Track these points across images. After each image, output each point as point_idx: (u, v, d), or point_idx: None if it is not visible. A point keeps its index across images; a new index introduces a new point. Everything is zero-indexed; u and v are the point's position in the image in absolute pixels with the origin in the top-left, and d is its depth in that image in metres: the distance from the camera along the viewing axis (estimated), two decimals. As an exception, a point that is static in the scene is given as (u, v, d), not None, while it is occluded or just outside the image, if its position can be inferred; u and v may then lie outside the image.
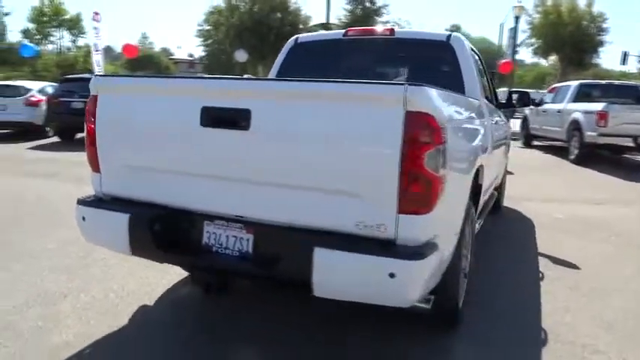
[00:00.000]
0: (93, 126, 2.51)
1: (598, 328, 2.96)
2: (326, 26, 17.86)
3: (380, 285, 1.91)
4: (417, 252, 1.93)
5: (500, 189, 5.68)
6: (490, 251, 4.43)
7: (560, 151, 11.54)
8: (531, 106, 13.42)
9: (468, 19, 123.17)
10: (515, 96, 5.12)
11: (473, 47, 4.24)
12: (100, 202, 2.54)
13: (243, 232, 2.24)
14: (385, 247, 1.94)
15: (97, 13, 16.60)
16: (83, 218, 2.53)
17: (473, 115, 2.80)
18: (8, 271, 3.49)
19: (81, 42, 46.44)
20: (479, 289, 3.42)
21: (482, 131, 3.11)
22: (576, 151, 10.51)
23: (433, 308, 2.35)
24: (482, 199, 3.47)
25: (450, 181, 2.07)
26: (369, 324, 2.83)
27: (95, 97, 2.49)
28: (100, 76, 2.57)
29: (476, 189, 3.20)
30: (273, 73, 3.99)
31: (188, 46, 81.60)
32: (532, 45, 21.86)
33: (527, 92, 5.19)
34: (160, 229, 2.36)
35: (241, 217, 2.23)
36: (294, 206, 2.11)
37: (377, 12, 42.99)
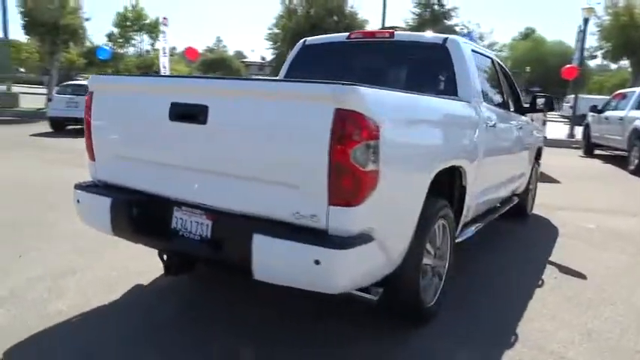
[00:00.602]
0: (89, 119, 2.81)
1: (577, 337, 2.88)
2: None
3: (307, 271, 2.03)
4: (345, 242, 2.04)
5: (525, 196, 5.55)
6: (500, 257, 4.38)
7: (621, 162, 10.89)
8: (592, 113, 12.77)
9: (545, 21, 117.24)
10: (540, 100, 5.00)
11: (482, 50, 4.22)
12: (91, 187, 2.84)
13: (203, 217, 2.44)
14: (314, 236, 2.06)
15: (165, 18, 17.65)
16: (78, 201, 2.84)
17: (441, 115, 2.82)
18: (36, 248, 3.92)
19: (159, 45, 49.46)
20: (472, 292, 3.45)
21: (463, 133, 3.12)
22: (636, 161, 9.90)
23: (382, 300, 2.42)
24: (474, 202, 3.45)
25: (389, 177, 2.15)
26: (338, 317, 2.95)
27: (91, 94, 2.80)
28: (95, 75, 2.88)
29: (460, 191, 3.23)
30: (282, 73, 4.19)
31: (261, 49, 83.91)
32: (601, 49, 20.53)
33: (550, 97, 5.04)
34: (136, 213, 2.61)
35: (203, 204, 2.43)
36: (242, 195, 2.28)
37: (445, 15, 42.20)
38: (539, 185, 6.48)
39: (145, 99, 2.59)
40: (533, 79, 51.49)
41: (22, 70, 41.87)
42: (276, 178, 2.17)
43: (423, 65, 3.65)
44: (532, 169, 5.68)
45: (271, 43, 21.08)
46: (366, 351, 2.60)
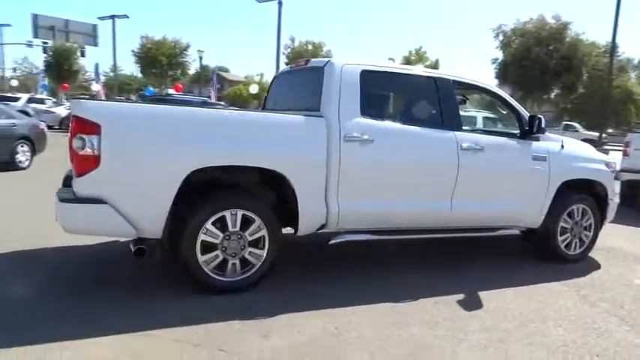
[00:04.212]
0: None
1: (328, 329, 3.16)
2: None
3: (58, 216, 3.23)
4: (71, 200, 3.16)
5: (550, 233, 4.86)
6: (440, 278, 4.34)
7: None
8: None
9: None
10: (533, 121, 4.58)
11: (408, 72, 4.34)
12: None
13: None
14: (67, 194, 3.25)
15: (391, 59, 19.49)
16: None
17: (201, 123, 3.45)
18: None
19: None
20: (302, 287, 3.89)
21: (283, 141, 3.62)
22: None
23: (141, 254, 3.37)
24: (328, 209, 3.78)
25: (115, 162, 3.15)
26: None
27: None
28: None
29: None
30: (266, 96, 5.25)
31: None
32: None
33: (538, 117, 4.50)
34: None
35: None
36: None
37: None
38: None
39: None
40: None
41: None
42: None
43: (311, 86, 4.13)
44: (568, 205, 4.92)
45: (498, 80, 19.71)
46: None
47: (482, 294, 3.96)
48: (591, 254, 5.32)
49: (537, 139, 4.73)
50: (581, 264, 5.04)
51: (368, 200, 3.97)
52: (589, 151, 5.32)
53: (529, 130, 4.64)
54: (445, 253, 5.22)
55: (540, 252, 5.08)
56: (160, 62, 31.84)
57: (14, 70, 51.60)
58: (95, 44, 35.25)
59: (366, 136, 3.86)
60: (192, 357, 2.70)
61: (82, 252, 4.47)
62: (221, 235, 3.51)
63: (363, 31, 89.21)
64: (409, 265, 4.69)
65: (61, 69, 34.46)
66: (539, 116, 4.56)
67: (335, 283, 4.00)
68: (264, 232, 3.64)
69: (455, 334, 3.20)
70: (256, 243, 3.64)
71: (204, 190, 3.57)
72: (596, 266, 5.04)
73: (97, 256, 4.43)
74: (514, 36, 14.97)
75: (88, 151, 3.12)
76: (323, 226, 3.92)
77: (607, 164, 5.23)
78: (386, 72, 4.23)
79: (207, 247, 3.49)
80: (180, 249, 3.43)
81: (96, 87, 29.21)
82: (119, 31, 38.99)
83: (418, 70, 4.42)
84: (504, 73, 15.64)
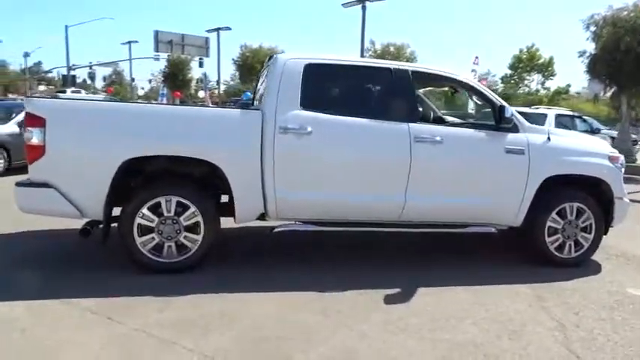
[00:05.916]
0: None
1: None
2: None
3: (14, 197, 3.79)
4: (23, 184, 3.69)
5: (536, 233, 4.50)
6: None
7: None
8: None
9: None
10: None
11: (321, 63, 4.22)
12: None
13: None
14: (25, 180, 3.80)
15: (477, 57, 18.61)
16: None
17: (132, 117, 3.85)
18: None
19: (550, 84, 48.91)
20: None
21: (215, 134, 3.86)
22: None
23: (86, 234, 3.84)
24: (264, 198, 3.95)
25: (59, 152, 3.62)
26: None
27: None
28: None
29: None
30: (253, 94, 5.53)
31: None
32: None
33: (500, 107, 4.23)
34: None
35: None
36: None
37: None
38: None
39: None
40: None
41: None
42: None
43: (265, 80, 4.32)
44: (557, 204, 4.51)
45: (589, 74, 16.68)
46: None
47: (422, 290, 3.84)
48: (604, 259, 4.87)
49: (516, 131, 4.41)
50: (577, 267, 4.58)
51: (307, 191, 4.04)
52: (588, 144, 4.79)
53: (500, 121, 4.36)
54: (419, 248, 5.07)
55: (529, 253, 4.70)
56: (256, 69, 33.63)
57: (150, 81, 57.75)
58: (207, 55, 38.30)
59: (303, 128, 3.95)
60: (80, 320, 3.07)
61: (59, 235, 4.88)
62: (157, 219, 3.84)
63: (459, 33, 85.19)
64: (365, 258, 4.66)
65: (176, 79, 37.98)
66: (504, 105, 4.26)
67: (271, 271, 4.13)
68: (199, 218, 3.89)
69: (347, 324, 3.20)
70: (192, 228, 3.91)
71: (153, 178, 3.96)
72: (594, 270, 4.57)
73: (70, 238, 4.70)
74: (605, 25, 13.34)
75: (35, 141, 3.63)
76: (264, 215, 4.09)
77: (611, 159, 4.68)
78: (335, 65, 4.28)
79: (145, 230, 3.84)
80: (120, 231, 3.82)
81: (202, 94, 31.74)
82: (225, 42, 41.93)
83: (371, 62, 4.38)
84: (594, 66, 14.06)
